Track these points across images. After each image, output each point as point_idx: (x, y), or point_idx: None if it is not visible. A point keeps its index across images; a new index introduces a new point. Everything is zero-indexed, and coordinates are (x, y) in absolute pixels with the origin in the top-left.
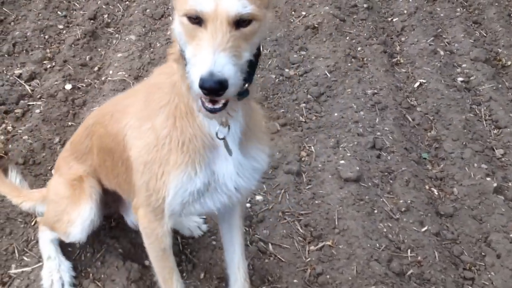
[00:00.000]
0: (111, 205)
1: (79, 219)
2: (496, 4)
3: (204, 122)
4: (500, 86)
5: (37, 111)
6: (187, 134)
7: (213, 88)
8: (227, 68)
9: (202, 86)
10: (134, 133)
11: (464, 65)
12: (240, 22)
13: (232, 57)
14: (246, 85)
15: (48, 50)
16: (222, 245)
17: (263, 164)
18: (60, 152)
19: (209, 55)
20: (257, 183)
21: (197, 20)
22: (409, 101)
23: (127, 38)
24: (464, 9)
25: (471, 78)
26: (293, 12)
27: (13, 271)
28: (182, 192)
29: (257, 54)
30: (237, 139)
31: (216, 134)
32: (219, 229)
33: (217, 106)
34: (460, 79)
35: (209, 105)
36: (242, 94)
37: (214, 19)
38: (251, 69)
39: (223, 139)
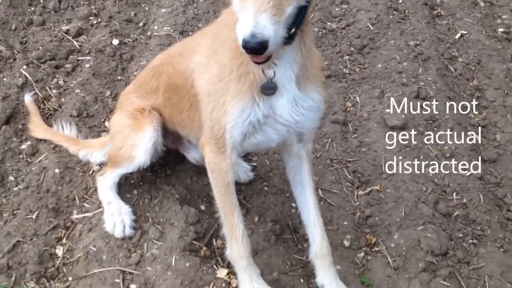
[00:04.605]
0: (172, 143)
1: (142, 141)
2: None
3: None
4: None
5: (87, 65)
6: (245, 68)
7: (254, 49)
8: (267, 28)
9: (244, 47)
10: (202, 68)
11: (504, 16)
12: None
13: (273, 16)
14: (293, 30)
15: (93, 7)
16: (298, 206)
17: (318, 102)
18: (121, 92)
19: (251, 17)
20: (316, 121)
21: None
22: (451, 52)
23: None
24: None
25: None
26: None
27: (75, 216)
28: (241, 121)
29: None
30: (294, 77)
31: (263, 71)
32: (293, 192)
33: (261, 61)
34: (500, 29)
35: (254, 61)
36: (290, 39)
37: None
38: (298, 16)
39: (271, 79)
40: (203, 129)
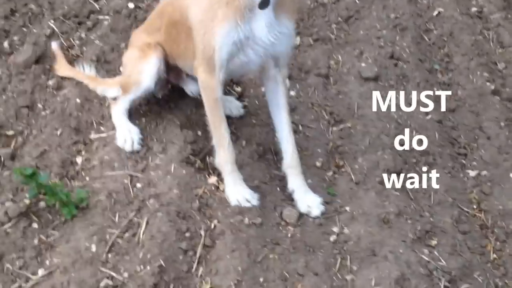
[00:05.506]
0: (174, 78)
1: (147, 67)
2: None
3: None
4: (509, 16)
5: (105, 23)
6: None
7: None
8: None
9: None
10: (194, 2)
11: None
12: None
13: None
14: None
15: None
16: (274, 126)
17: (291, 30)
18: (133, 32)
19: None
20: (289, 47)
21: None
22: (427, 25)
23: None
24: None
25: (484, 9)
26: None
27: (92, 136)
28: (227, 41)
29: None
30: (272, 2)
31: None
32: (270, 113)
33: None
34: (474, 9)
35: None
36: None
37: None
38: None
39: None
40: (196, 55)
